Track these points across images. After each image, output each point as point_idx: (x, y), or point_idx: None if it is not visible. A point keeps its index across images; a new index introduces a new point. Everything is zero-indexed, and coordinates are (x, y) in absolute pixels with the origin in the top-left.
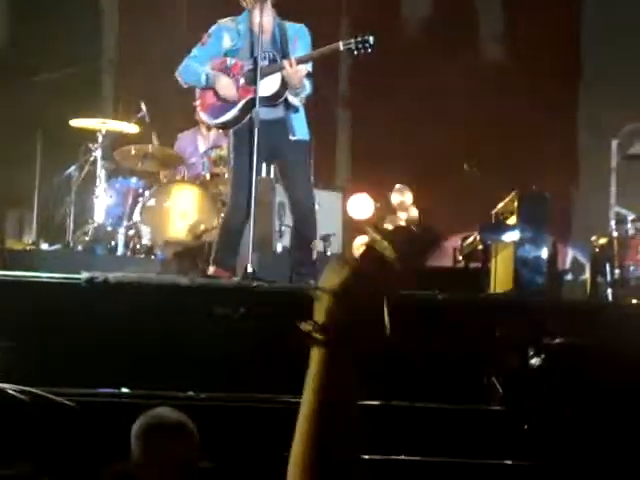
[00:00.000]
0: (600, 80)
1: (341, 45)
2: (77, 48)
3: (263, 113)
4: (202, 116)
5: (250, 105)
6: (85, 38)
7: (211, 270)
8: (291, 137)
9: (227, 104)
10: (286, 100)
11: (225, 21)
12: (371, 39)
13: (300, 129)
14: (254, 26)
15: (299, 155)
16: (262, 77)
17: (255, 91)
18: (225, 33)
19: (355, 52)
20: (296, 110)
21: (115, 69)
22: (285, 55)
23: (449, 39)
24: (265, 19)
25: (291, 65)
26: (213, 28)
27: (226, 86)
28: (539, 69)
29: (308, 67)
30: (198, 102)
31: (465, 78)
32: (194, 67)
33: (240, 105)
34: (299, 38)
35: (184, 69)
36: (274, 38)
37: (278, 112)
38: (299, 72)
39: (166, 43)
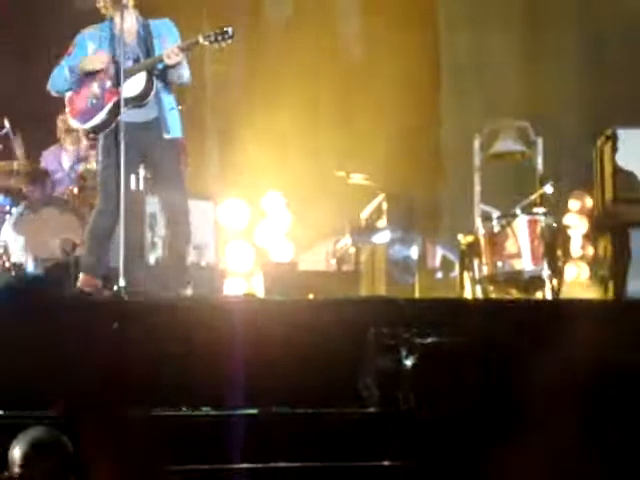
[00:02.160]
0: (460, 79)
1: (201, 38)
2: None
3: (134, 115)
4: (72, 122)
5: (118, 108)
6: None
7: (80, 278)
8: (165, 136)
9: (95, 108)
10: (159, 99)
11: (88, 29)
12: (230, 30)
13: (174, 127)
14: (116, 29)
15: (172, 154)
16: (127, 77)
17: (119, 92)
18: (89, 41)
19: (215, 44)
20: (171, 108)
21: None
22: (151, 54)
23: (310, 40)
24: (128, 22)
25: (171, 53)
26: (77, 37)
27: (92, 59)
28: (401, 66)
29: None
30: (67, 109)
31: (327, 77)
32: (59, 72)
33: (108, 108)
34: (166, 33)
35: (52, 79)
36: (139, 39)
37: (151, 113)
38: (180, 55)
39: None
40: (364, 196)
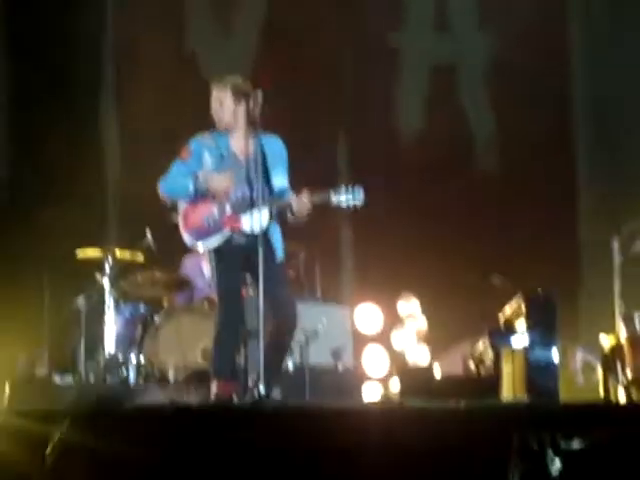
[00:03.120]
0: (598, 179)
1: (332, 196)
2: (80, 180)
3: (243, 239)
4: (184, 235)
5: (234, 233)
6: (88, 170)
7: (215, 385)
8: (272, 262)
9: (211, 229)
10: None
11: (204, 137)
12: (360, 192)
13: (279, 250)
14: (235, 148)
15: (281, 276)
16: (248, 209)
17: (240, 220)
18: (206, 152)
19: (346, 204)
20: (276, 233)
21: (119, 198)
22: (266, 176)
23: (444, 152)
24: (245, 140)
25: (301, 201)
26: (193, 145)
27: (220, 180)
28: (534, 172)
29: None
30: (180, 219)
31: (462, 187)
32: (178, 180)
33: (224, 233)
34: (277, 155)
35: (167, 185)
36: (254, 158)
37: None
38: (308, 206)
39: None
40: (502, 297)
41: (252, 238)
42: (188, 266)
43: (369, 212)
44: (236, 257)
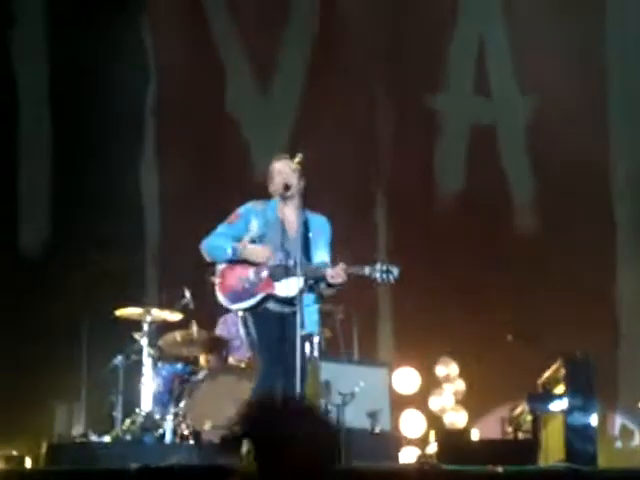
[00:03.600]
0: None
1: (367, 270)
2: (120, 241)
3: (275, 305)
4: (219, 297)
5: (268, 299)
6: (128, 231)
7: None
8: (300, 332)
9: (247, 292)
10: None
11: (255, 204)
12: (396, 271)
13: (311, 324)
14: (283, 217)
15: (302, 349)
16: (284, 276)
17: (275, 286)
18: (253, 217)
19: (381, 280)
20: (307, 305)
21: (158, 258)
22: (307, 250)
23: (483, 214)
24: (292, 212)
25: (336, 272)
26: (242, 210)
27: (257, 251)
28: (575, 236)
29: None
30: (218, 280)
31: (501, 249)
32: (219, 242)
33: (259, 297)
34: (320, 231)
35: (209, 244)
36: (299, 233)
37: (292, 307)
38: (344, 277)
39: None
40: (541, 361)
41: (284, 305)
42: (224, 327)
43: (407, 274)
44: (272, 318)
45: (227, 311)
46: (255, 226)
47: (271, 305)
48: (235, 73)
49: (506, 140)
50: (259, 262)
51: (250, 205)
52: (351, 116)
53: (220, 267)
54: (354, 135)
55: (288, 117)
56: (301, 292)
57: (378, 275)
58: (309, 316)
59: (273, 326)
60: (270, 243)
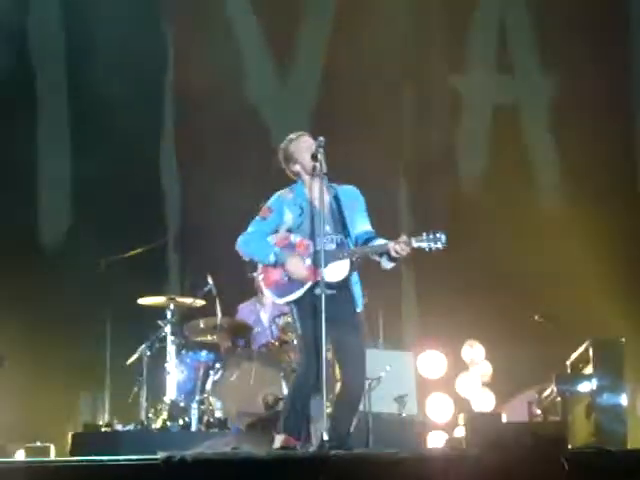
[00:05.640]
0: None
1: (414, 242)
2: (141, 228)
3: (326, 291)
4: (266, 292)
5: (315, 286)
6: (149, 217)
7: (280, 439)
8: (352, 309)
9: (293, 283)
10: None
11: (283, 194)
12: (443, 237)
13: (359, 300)
14: (313, 200)
15: (358, 327)
16: (331, 260)
17: (320, 274)
18: (286, 207)
19: (428, 249)
20: (356, 282)
21: (180, 245)
22: (344, 227)
23: (507, 193)
24: (320, 193)
25: (400, 245)
26: (274, 201)
27: (297, 268)
28: (599, 211)
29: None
30: (261, 276)
31: (526, 228)
32: (260, 243)
33: (307, 287)
34: (353, 202)
35: (246, 244)
36: (332, 211)
37: (342, 287)
38: (408, 249)
39: (231, 216)
40: (566, 342)
41: (331, 290)
42: (244, 313)
43: (431, 257)
44: (316, 307)
45: (245, 299)
46: (290, 217)
47: (318, 291)
48: (255, 63)
49: (529, 117)
50: (296, 276)
51: (280, 196)
52: (372, 100)
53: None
54: (375, 118)
55: (307, 105)
56: (350, 273)
57: (425, 245)
58: (357, 294)
59: (318, 317)
60: (306, 230)
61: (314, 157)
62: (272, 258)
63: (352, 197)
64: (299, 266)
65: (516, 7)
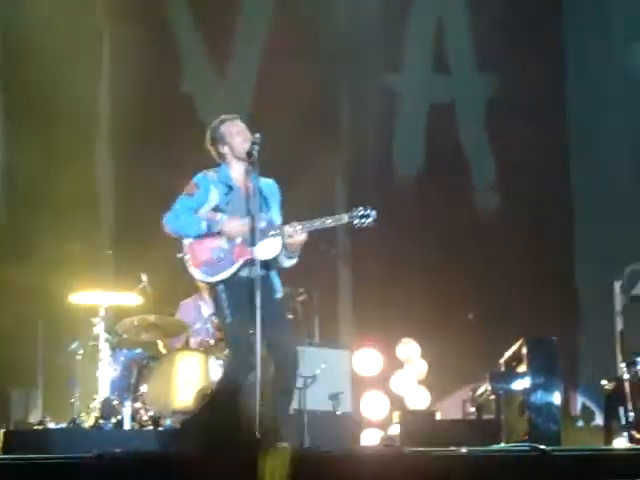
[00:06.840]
0: (596, 222)
1: (346, 217)
2: (74, 224)
3: (249, 272)
4: (194, 272)
5: (247, 265)
6: (83, 214)
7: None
8: (273, 296)
9: (224, 262)
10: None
11: (207, 173)
12: (374, 213)
13: (279, 287)
14: (238, 182)
15: (282, 311)
16: (262, 239)
17: (252, 252)
18: (212, 185)
19: (357, 226)
20: (275, 270)
21: (114, 243)
22: (268, 212)
23: (443, 191)
24: (244, 175)
25: (294, 233)
26: (199, 179)
27: (237, 227)
28: (535, 215)
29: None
30: (187, 256)
31: (461, 228)
32: (189, 217)
33: (238, 265)
34: (272, 195)
35: (175, 219)
36: (255, 192)
37: (262, 271)
38: (301, 240)
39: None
40: (501, 341)
41: (261, 269)
42: (186, 310)
43: (367, 254)
44: (243, 291)
45: (187, 296)
46: (216, 196)
47: (246, 271)
48: (190, 57)
49: (464, 116)
50: (235, 235)
51: (205, 174)
52: (308, 97)
53: (187, 242)
54: (312, 116)
55: (244, 99)
56: (280, 252)
57: (357, 218)
58: (276, 281)
59: (246, 293)
60: (235, 210)
61: (249, 154)
62: (204, 225)
63: (271, 190)
64: (238, 224)
65: (453, 7)
